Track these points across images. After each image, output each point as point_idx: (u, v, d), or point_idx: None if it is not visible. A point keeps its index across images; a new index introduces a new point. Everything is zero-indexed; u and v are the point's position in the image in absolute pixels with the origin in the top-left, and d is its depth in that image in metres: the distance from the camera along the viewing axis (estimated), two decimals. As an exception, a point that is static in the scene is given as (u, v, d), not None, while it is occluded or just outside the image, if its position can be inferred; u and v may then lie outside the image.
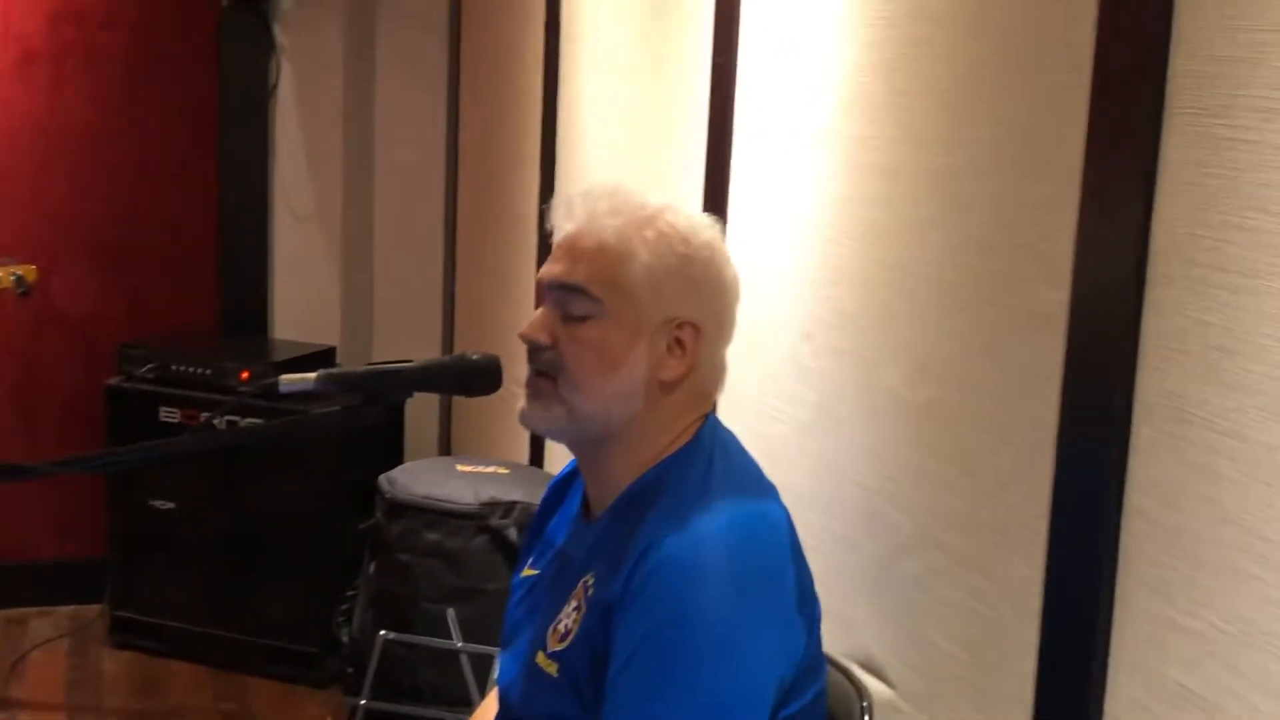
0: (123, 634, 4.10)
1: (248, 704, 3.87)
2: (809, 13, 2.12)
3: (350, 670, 3.46)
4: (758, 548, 1.50)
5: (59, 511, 4.39)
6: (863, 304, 1.95)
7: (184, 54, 4.37)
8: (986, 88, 1.67)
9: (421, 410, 4.65)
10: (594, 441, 1.59)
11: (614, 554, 1.51)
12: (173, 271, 4.46)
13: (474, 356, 1.63)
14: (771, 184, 2.25)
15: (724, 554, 1.45)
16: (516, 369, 1.64)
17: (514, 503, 3.08)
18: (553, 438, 1.68)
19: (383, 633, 2.80)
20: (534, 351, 1.57)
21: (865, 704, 1.77)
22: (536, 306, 1.61)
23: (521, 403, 1.59)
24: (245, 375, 3.92)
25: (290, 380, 1.59)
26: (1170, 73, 1.35)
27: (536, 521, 1.81)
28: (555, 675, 1.53)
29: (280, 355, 4.21)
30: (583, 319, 1.54)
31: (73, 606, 4.33)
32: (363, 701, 2.75)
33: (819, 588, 2.02)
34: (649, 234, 1.54)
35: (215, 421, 3.74)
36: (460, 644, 2.78)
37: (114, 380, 4.03)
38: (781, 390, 2.20)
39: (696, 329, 1.56)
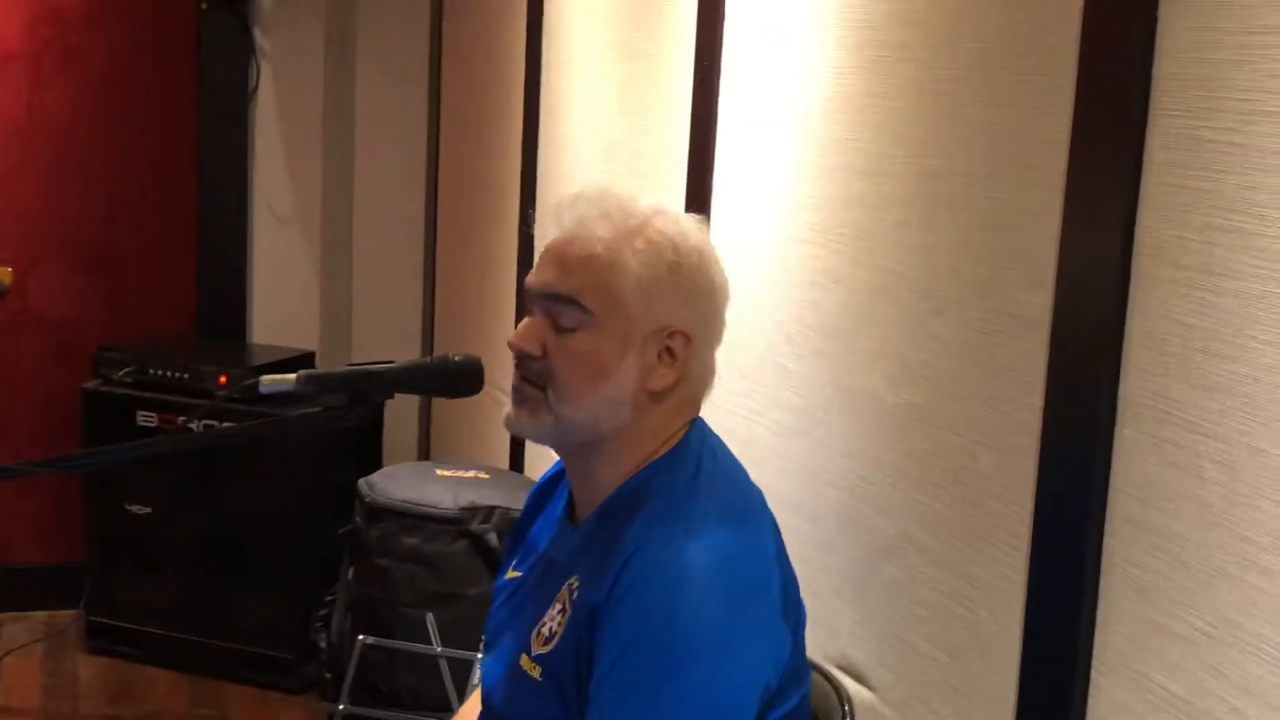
0: (99, 639, 4.08)
1: (225, 710, 3.85)
2: (791, 15, 2.12)
3: (328, 675, 3.45)
4: (744, 554, 1.50)
5: (35, 515, 4.37)
6: (844, 306, 1.95)
7: (163, 55, 4.35)
8: (969, 89, 1.67)
9: (400, 414, 4.63)
10: (581, 446, 1.58)
11: (599, 557, 1.51)
12: (151, 274, 4.44)
13: (456, 358, 1.62)
14: (754, 186, 2.25)
15: (710, 560, 1.45)
16: (497, 373, 1.63)
17: (494, 507, 3.08)
18: (538, 441, 1.68)
19: (361, 637, 2.79)
20: (524, 361, 1.56)
21: (846, 707, 1.77)
22: (524, 313, 1.60)
23: (508, 408, 1.59)
24: (223, 379, 3.91)
25: (271, 381, 1.58)
26: (1154, 74, 1.35)
27: (521, 523, 1.80)
28: (539, 678, 1.53)
29: (259, 359, 4.20)
30: (573, 330, 1.53)
31: (48, 611, 4.31)
32: (341, 707, 2.74)
33: (800, 592, 2.03)
34: (639, 244, 1.53)
35: (192, 425, 3.73)
36: (439, 649, 2.77)
37: (91, 383, 4.01)
38: (762, 393, 2.20)
39: (687, 337, 1.56)
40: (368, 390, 1.61)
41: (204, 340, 4.47)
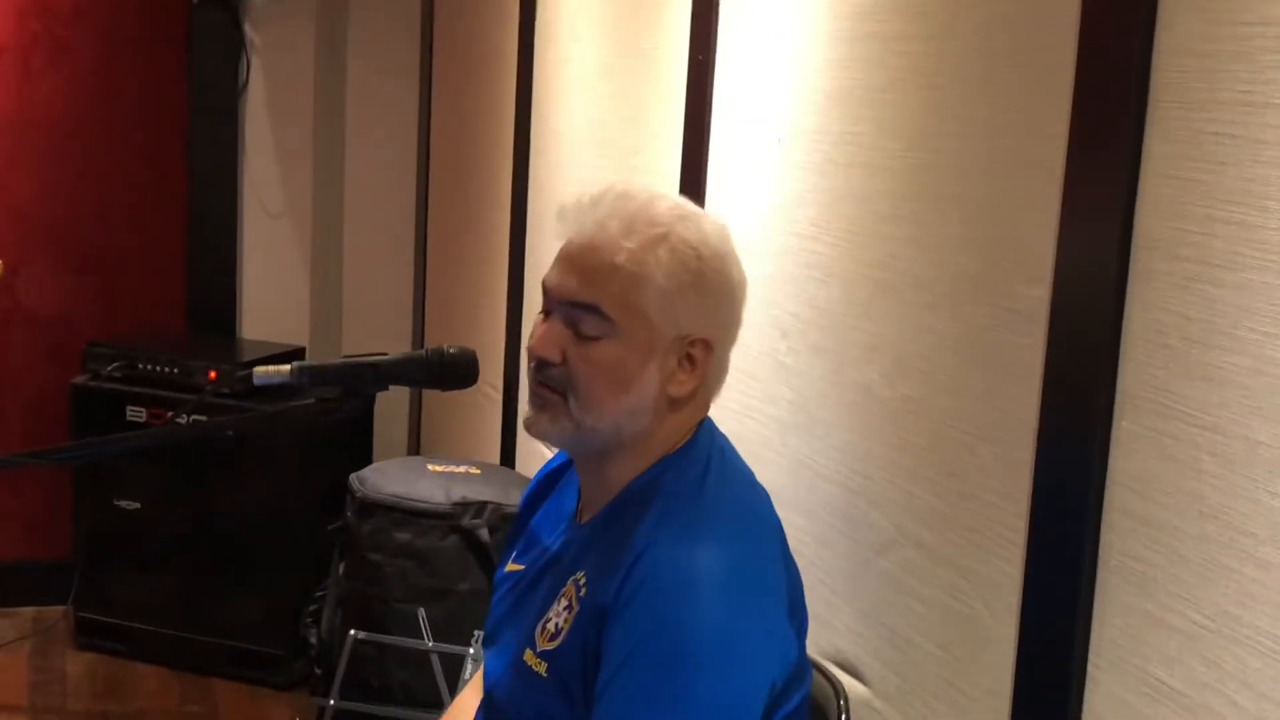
0: (87, 635, 4.07)
1: (214, 706, 3.84)
2: (787, 7, 2.12)
3: (319, 671, 3.44)
4: (752, 555, 1.50)
5: (23, 511, 4.35)
6: (841, 301, 1.95)
7: (153, 50, 4.34)
8: (966, 82, 1.67)
9: (391, 410, 4.63)
10: (598, 452, 1.58)
11: (607, 554, 1.51)
12: (140, 270, 4.43)
13: (451, 350, 1.62)
14: (749, 180, 2.25)
15: (719, 561, 1.45)
16: (487, 368, 1.63)
17: (485, 503, 3.07)
18: (557, 446, 1.67)
19: (353, 632, 2.78)
20: (542, 366, 1.55)
21: (842, 702, 1.77)
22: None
23: (527, 411, 1.58)
24: (213, 375, 3.90)
25: (265, 372, 1.58)
26: (1153, 66, 1.35)
27: (522, 512, 1.79)
28: (544, 675, 1.52)
29: (248, 355, 4.19)
30: (594, 338, 1.52)
31: (36, 608, 4.30)
32: (331, 702, 2.73)
33: (795, 586, 2.03)
34: (663, 254, 1.52)
35: (180, 420, 3.72)
36: (431, 644, 2.76)
37: (80, 379, 4.00)
38: (757, 387, 2.19)
39: (708, 345, 1.56)
40: (362, 382, 1.61)
41: (194, 335, 4.46)
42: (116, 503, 3.96)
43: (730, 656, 1.41)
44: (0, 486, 4.26)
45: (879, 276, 1.86)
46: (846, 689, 1.81)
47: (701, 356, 1.56)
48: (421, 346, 4.55)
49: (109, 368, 3.95)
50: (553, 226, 1.59)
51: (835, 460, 1.97)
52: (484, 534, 3.02)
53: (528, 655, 1.55)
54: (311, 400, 1.62)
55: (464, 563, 3.03)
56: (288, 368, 1.58)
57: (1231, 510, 1.25)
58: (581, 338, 1.52)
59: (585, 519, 1.63)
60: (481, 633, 2.63)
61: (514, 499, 3.00)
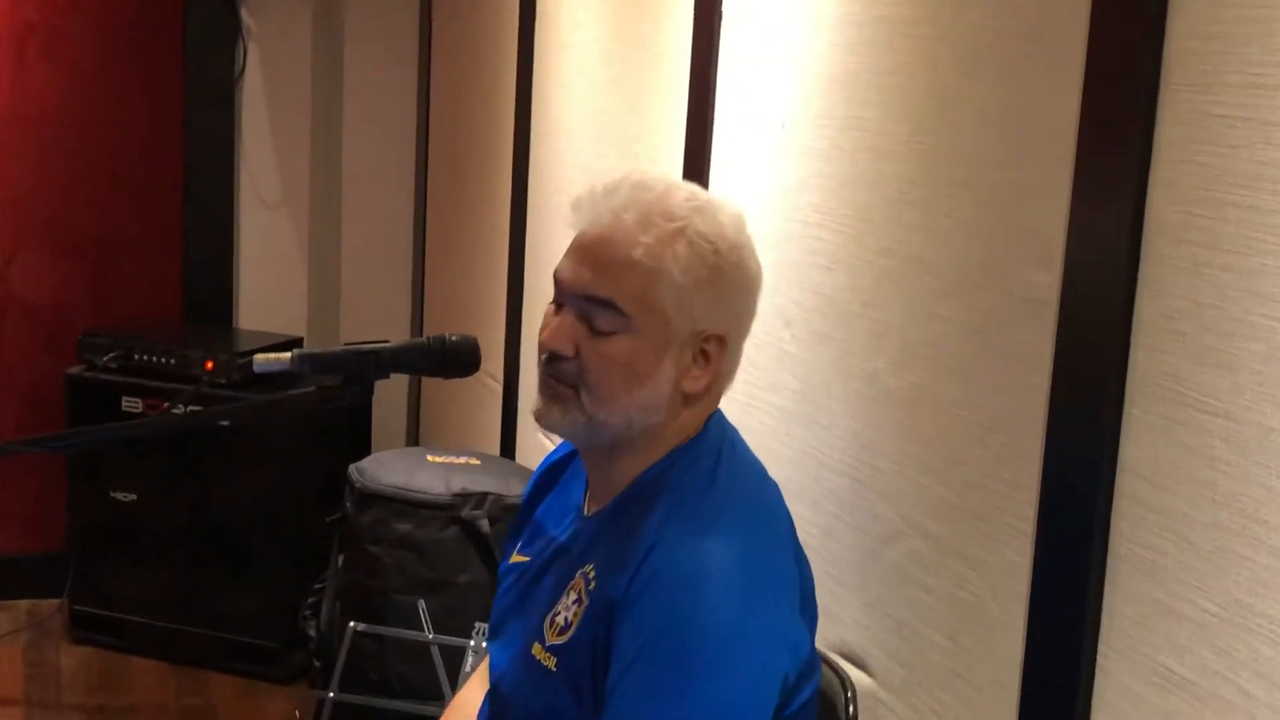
0: (82, 629, 4.07)
1: (210, 700, 3.84)
2: (793, -7, 2.12)
3: (317, 664, 3.45)
4: (763, 550, 1.50)
5: (18, 503, 4.35)
6: (846, 288, 1.95)
7: (148, 37, 4.34)
8: (975, 65, 1.67)
9: (389, 400, 4.63)
10: (608, 445, 1.57)
11: (616, 548, 1.51)
12: (136, 259, 4.43)
13: (453, 337, 1.62)
14: (753, 166, 2.25)
15: (730, 556, 1.45)
16: (489, 358, 1.62)
17: (486, 494, 3.07)
18: (566, 439, 1.67)
19: (352, 624, 2.78)
20: (553, 360, 1.54)
21: (849, 694, 1.78)
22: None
23: (537, 403, 1.57)
24: (210, 365, 3.90)
25: (265, 359, 1.58)
26: (1164, 49, 1.35)
27: (527, 503, 1.79)
28: (553, 669, 1.52)
29: (245, 345, 4.19)
30: (608, 333, 1.51)
31: (30, 600, 4.30)
32: (331, 695, 2.73)
33: (801, 576, 2.03)
34: (680, 249, 1.51)
35: (177, 410, 3.72)
36: (431, 635, 2.77)
37: (75, 369, 4.00)
38: (761, 377, 2.19)
39: (722, 340, 1.56)
40: (363, 369, 1.61)
41: (190, 325, 4.46)
42: (112, 494, 3.96)
43: (743, 651, 1.41)
44: (-6, 478, 4.27)
45: (885, 263, 1.85)
46: (853, 681, 1.81)
47: (716, 352, 1.56)
48: (421, 335, 4.57)
49: (105, 358, 3.95)
50: (566, 216, 1.58)
51: (841, 450, 1.96)
52: (484, 525, 3.02)
53: (536, 649, 1.55)
54: (312, 388, 1.62)
55: (464, 554, 3.03)
56: (288, 355, 1.58)
57: (1244, 497, 1.25)
58: (595, 332, 1.51)
59: (593, 511, 1.62)
60: (482, 624, 2.64)
61: (515, 490, 3.00)
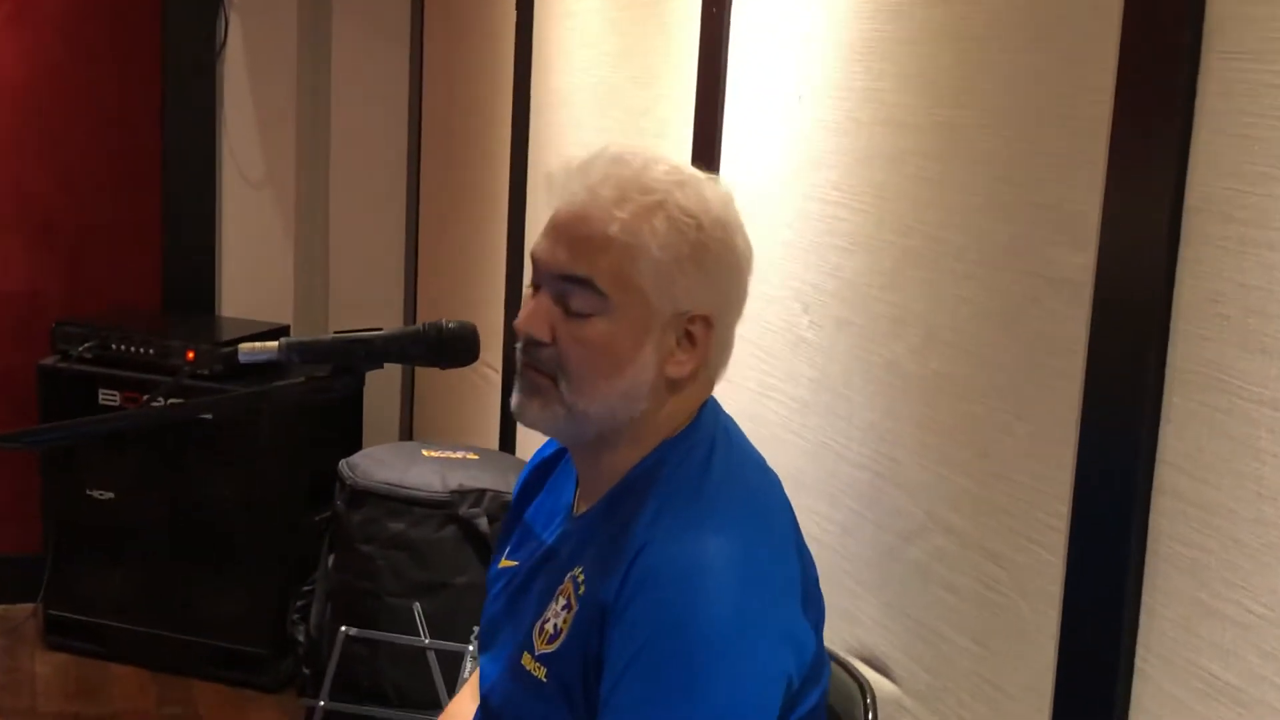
0: (58, 634, 4.09)
1: (194, 709, 3.85)
2: (808, -43, 2.11)
3: (307, 671, 3.45)
4: (762, 545, 1.49)
5: (-11, 502, 4.36)
6: (866, 270, 1.95)
7: (124, 7, 4.33)
8: (1002, 32, 1.66)
9: (382, 391, 4.63)
10: (594, 441, 1.57)
11: (606, 548, 1.50)
12: (112, 243, 4.43)
13: (450, 324, 1.61)
14: (767, 141, 2.24)
15: (726, 553, 1.44)
16: (487, 347, 1.62)
17: (484, 490, 3.07)
18: (549, 435, 1.67)
19: (344, 629, 2.78)
20: (530, 346, 1.54)
21: (869, 701, 1.77)
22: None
23: (516, 397, 1.57)
24: (191, 355, 3.90)
25: (251, 349, 1.58)
26: (1206, 13, 1.34)
27: (515, 505, 1.79)
28: (544, 680, 1.52)
29: (229, 333, 4.19)
30: (586, 315, 1.51)
31: (3, 605, 4.31)
32: (321, 703, 2.74)
33: (818, 576, 2.03)
34: (659, 223, 1.51)
35: (157, 403, 3.72)
36: (427, 641, 2.77)
37: (49, 360, 4.00)
38: (776, 365, 2.19)
39: (708, 322, 1.55)
40: (354, 359, 1.61)
41: (170, 314, 4.46)
42: (88, 492, 3.96)
43: (742, 653, 1.40)
44: (-36, 476, 4.28)
45: (907, 244, 1.85)
46: (873, 687, 1.80)
47: (702, 334, 1.54)
48: (415, 322, 4.57)
49: (80, 348, 3.95)
50: (543, 195, 1.58)
51: (860, 442, 1.96)
52: (483, 524, 3.03)
53: (526, 659, 1.54)
54: (300, 379, 1.62)
55: (462, 554, 3.04)
56: (275, 344, 1.58)
57: (1291, 491, 1.25)
58: (572, 314, 1.51)
59: (583, 510, 1.62)
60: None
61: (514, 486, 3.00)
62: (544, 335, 1.52)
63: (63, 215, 4.35)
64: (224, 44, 4.41)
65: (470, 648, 2.68)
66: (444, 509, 3.05)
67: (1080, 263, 1.51)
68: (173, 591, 3.96)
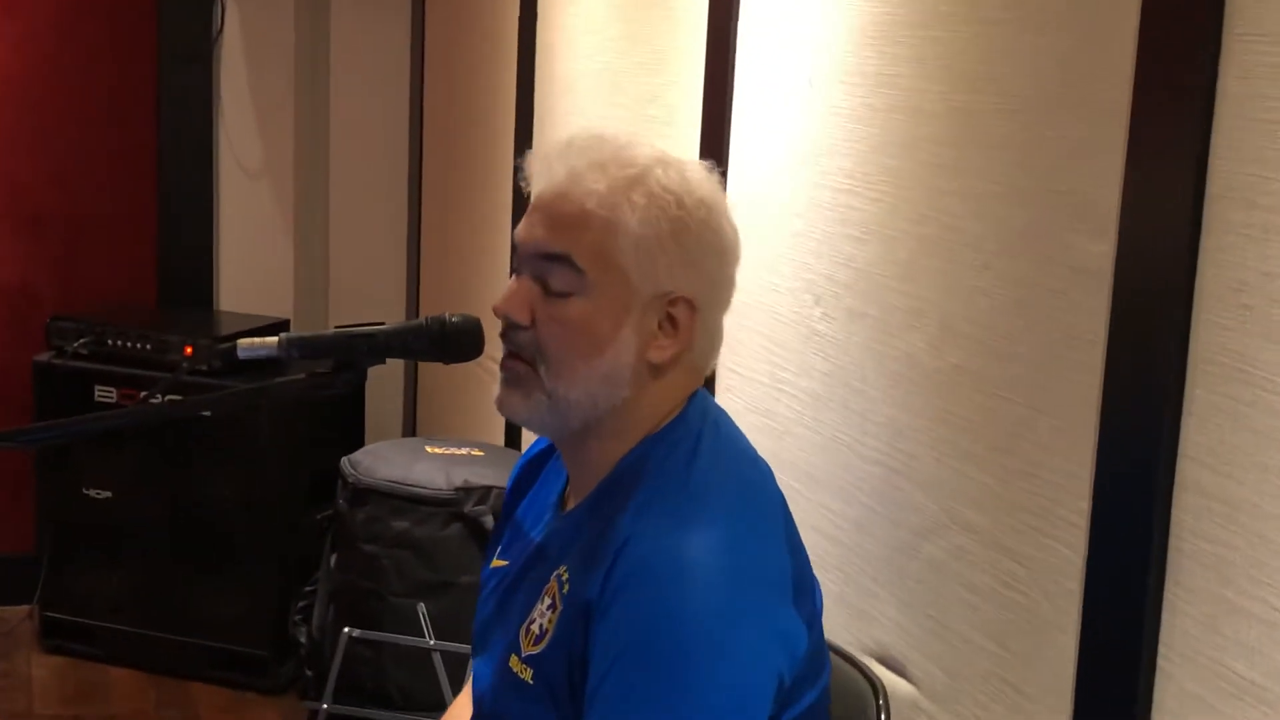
0: (54, 637, 4.10)
1: (194, 713, 3.86)
2: (819, -61, 2.11)
3: (309, 673, 3.46)
4: (749, 538, 1.48)
5: (-17, 502, 4.37)
6: (880, 261, 1.95)
7: (118, -7, 4.34)
8: (1020, 15, 1.66)
9: (384, 387, 4.63)
10: (577, 431, 1.57)
11: (590, 545, 1.50)
12: (107, 236, 4.43)
13: (453, 318, 1.62)
14: (778, 128, 2.24)
15: (712, 547, 1.44)
16: (492, 341, 1.63)
17: (489, 487, 3.08)
18: (532, 429, 1.67)
19: (347, 630, 2.79)
20: (509, 330, 1.55)
21: (882, 702, 1.78)
22: (511, 273, 1.59)
23: (497, 389, 1.58)
24: (189, 350, 3.91)
25: (250, 344, 1.58)
26: (1229, -5, 1.34)
27: (506, 504, 1.80)
28: (530, 682, 1.52)
29: (227, 328, 4.20)
30: (564, 295, 1.51)
31: (-2, 607, 4.32)
32: (324, 706, 2.74)
33: (831, 576, 2.03)
34: (638, 198, 1.51)
35: (154, 400, 3.73)
36: (432, 642, 2.77)
37: (43, 356, 4.01)
38: (788, 359, 2.19)
39: (691, 304, 1.54)
40: (356, 354, 1.61)
41: (167, 308, 4.47)
42: (85, 491, 3.97)
43: (728, 650, 1.40)
44: (-43, 475, 4.29)
45: (922, 233, 1.85)
46: (888, 687, 1.81)
47: (685, 318, 1.54)
48: (416, 317, 4.57)
49: (75, 344, 3.96)
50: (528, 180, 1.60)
51: (875, 437, 1.96)
52: (488, 521, 3.03)
53: (513, 661, 1.54)
54: (301, 375, 1.62)
55: (467, 553, 3.04)
56: (275, 339, 1.58)
57: (1318, 486, 1.25)
58: (551, 294, 1.52)
59: (569, 506, 1.62)
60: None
61: (521, 483, 3.01)
62: (522, 317, 1.53)
63: (56, 208, 4.36)
64: (220, 31, 4.41)
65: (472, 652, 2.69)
66: (448, 507, 3.06)
67: (1100, 251, 1.51)
68: (171, 592, 3.96)
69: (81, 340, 3.97)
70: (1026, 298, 1.65)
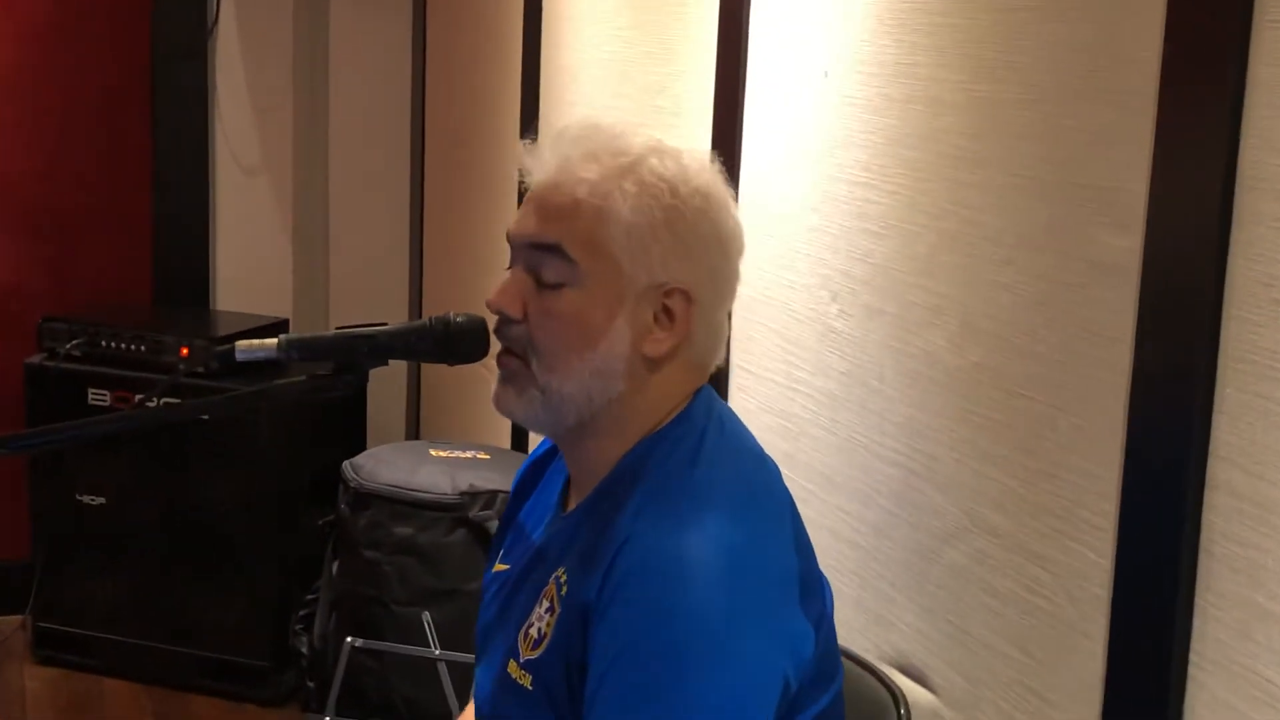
0: (48, 648, 4.10)
1: (191, 724, 3.87)
2: (834, -76, 2.11)
3: (310, 684, 3.46)
4: (753, 537, 1.48)
5: (-27, 509, 4.38)
6: (898, 256, 1.95)
7: (111, -16, 4.34)
8: (1045, 2, 1.66)
9: (386, 388, 4.64)
10: (574, 428, 1.57)
11: (588, 546, 1.50)
12: (100, 234, 4.44)
13: (458, 318, 1.62)
14: (792, 120, 2.24)
15: (713, 547, 1.43)
16: (497, 345, 1.63)
17: (495, 492, 3.08)
18: (529, 426, 1.67)
19: (349, 640, 2.79)
20: (502, 324, 1.55)
21: (902, 711, 1.77)
22: (508, 267, 1.59)
23: (494, 387, 1.58)
24: (185, 351, 3.91)
25: (248, 346, 1.58)
26: (1259, -20, 1.34)
27: (509, 508, 1.80)
28: (529, 688, 1.52)
29: (225, 328, 4.20)
30: (557, 287, 1.52)
31: (-10, 617, 4.33)
32: (326, 718, 2.75)
33: (849, 581, 2.03)
34: (629, 185, 1.52)
35: (150, 404, 3.73)
36: (438, 651, 2.77)
37: (35, 358, 4.02)
38: (804, 357, 2.19)
39: (688, 296, 1.54)
40: (358, 356, 1.61)
41: (162, 308, 4.48)
42: (79, 497, 3.97)
43: (730, 651, 1.40)
44: (-52, 481, 4.29)
45: (942, 227, 1.85)
46: (908, 696, 1.80)
47: (681, 310, 1.54)
48: (419, 317, 4.57)
49: (67, 345, 3.97)
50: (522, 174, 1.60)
51: (894, 438, 1.96)
52: (494, 527, 3.03)
53: (512, 667, 1.55)
54: (301, 377, 1.62)
55: (472, 560, 3.04)
56: (274, 341, 1.58)
57: (1353, 487, 1.25)
58: (544, 287, 1.53)
59: (570, 508, 1.63)
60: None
61: (528, 487, 3.01)
62: (514, 310, 1.53)
63: (48, 205, 4.36)
64: (215, 23, 4.41)
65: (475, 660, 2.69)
66: (453, 511, 3.06)
67: (1126, 246, 1.50)
68: (168, 601, 3.97)
69: (74, 341, 3.97)
70: (1050, 293, 1.65)
